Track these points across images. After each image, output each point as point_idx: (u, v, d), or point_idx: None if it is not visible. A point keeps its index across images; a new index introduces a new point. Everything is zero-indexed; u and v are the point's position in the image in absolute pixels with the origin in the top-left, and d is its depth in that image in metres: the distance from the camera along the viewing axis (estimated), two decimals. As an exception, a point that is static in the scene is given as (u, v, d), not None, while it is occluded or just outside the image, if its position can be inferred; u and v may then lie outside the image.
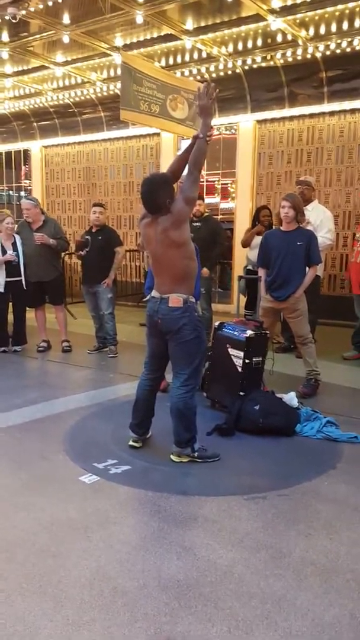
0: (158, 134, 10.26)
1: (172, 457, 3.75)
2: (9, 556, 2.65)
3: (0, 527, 2.91)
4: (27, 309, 6.91)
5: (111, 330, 6.72)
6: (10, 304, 6.78)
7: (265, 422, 4.11)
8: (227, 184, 10.63)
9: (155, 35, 8.41)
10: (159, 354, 3.84)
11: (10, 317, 6.85)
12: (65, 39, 8.17)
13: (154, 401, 3.98)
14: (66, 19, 7.66)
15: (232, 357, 4.52)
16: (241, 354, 4.44)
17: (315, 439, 4.12)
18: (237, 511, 3.11)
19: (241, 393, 4.35)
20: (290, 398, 4.47)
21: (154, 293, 3.73)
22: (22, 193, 13.51)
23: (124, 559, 2.65)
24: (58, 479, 3.49)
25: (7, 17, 6.99)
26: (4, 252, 6.51)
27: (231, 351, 4.55)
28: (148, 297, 3.91)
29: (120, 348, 6.74)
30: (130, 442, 3.95)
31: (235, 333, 4.56)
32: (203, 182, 10.63)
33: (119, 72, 9.15)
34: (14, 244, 6.60)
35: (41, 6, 6.93)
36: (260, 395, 4.34)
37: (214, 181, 10.67)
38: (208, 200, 9.44)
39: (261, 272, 5.31)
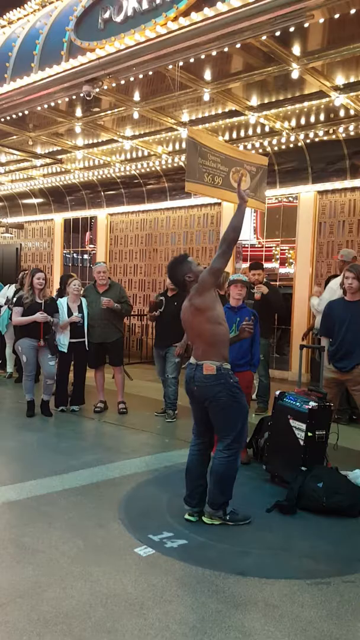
0: (219, 204, 10.53)
1: (204, 518, 3.77)
2: (65, 629, 2.58)
3: (57, 597, 2.85)
4: (87, 369, 7.02)
5: (172, 395, 6.69)
6: (72, 364, 6.91)
7: (329, 502, 3.92)
8: (285, 250, 10.72)
9: (220, 111, 8.76)
10: (202, 419, 3.91)
11: (70, 376, 6.97)
12: (135, 115, 8.64)
13: (204, 470, 3.92)
14: (136, 96, 8.11)
15: (294, 429, 4.40)
16: (303, 426, 4.32)
17: (382, 521, 3.91)
18: (300, 597, 2.94)
19: (303, 468, 4.20)
20: (356, 476, 4.27)
21: (191, 359, 3.84)
22: (86, 256, 14.05)
23: (181, 641, 2.53)
24: (113, 549, 3.42)
25: (81, 95, 7.46)
26: (70, 314, 6.72)
27: (293, 422, 4.43)
28: (186, 364, 3.97)
29: (179, 413, 6.69)
30: (186, 516, 3.87)
31: (297, 404, 4.46)
32: (262, 249, 10.78)
33: (183, 145, 9.59)
34: (80, 306, 6.80)
35: (114, 84, 7.38)
36: (324, 471, 4.17)
37: (272, 247, 10.80)
38: (266, 265, 9.49)
39: (324, 342, 5.23)
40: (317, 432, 4.29)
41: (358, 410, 6.07)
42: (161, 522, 3.80)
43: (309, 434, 4.28)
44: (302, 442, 4.30)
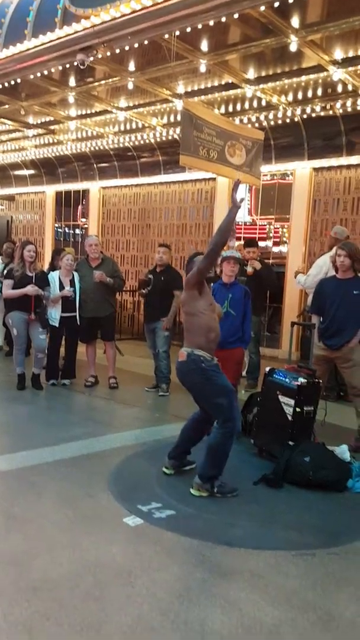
0: (214, 179, 10.43)
1: (191, 490, 3.85)
2: (54, 596, 2.62)
3: (46, 565, 2.89)
4: (79, 343, 7.02)
5: (164, 369, 6.71)
6: (63, 338, 6.90)
7: (316, 476, 3.98)
8: (279, 228, 10.68)
9: (216, 83, 8.63)
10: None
11: (62, 350, 6.97)
12: (130, 86, 8.49)
13: (194, 436, 4.18)
14: (131, 66, 7.96)
15: (283, 404, 4.43)
16: (292, 401, 4.35)
17: (368, 496, 3.97)
18: (285, 567, 3.00)
19: (290, 443, 4.24)
20: (342, 451, 4.33)
21: None
22: (77, 231, 13.92)
23: (167, 608, 2.58)
24: (103, 518, 3.46)
25: (75, 63, 7.31)
26: (62, 288, 6.69)
27: (281, 398, 4.46)
28: None
29: (172, 388, 6.71)
30: (163, 468, 4.20)
31: (287, 380, 4.48)
32: (256, 226, 10.73)
33: (178, 117, 9.46)
34: (72, 281, 6.77)
35: (108, 53, 7.23)
36: (311, 446, 4.22)
37: (266, 225, 10.75)
38: (260, 243, 9.45)
39: (314, 319, 5.25)
40: (305, 408, 4.33)
41: (345, 387, 6.13)
42: (150, 493, 3.85)
43: (297, 409, 4.32)
44: (290, 418, 4.34)
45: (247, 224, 10.92)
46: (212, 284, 5.45)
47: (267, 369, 4.80)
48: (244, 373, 6.78)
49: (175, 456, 4.21)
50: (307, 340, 6.44)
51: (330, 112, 8.71)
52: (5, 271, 6.97)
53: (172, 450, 4.22)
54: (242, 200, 3.90)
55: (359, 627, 2.51)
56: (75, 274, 6.83)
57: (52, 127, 11.60)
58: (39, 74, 8.12)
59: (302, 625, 2.51)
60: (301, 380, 4.37)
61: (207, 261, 3.86)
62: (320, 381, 4.60)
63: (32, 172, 14.09)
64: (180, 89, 8.85)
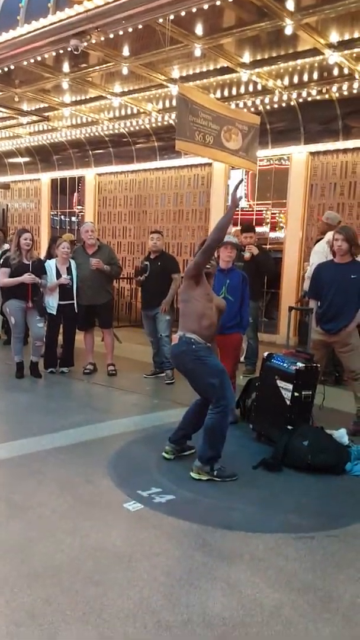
0: (210, 164, 10.37)
1: (191, 473, 3.90)
2: (55, 581, 2.64)
3: (47, 550, 2.91)
4: (77, 331, 7.01)
5: (168, 354, 6.70)
6: (61, 326, 6.90)
7: (315, 460, 4.00)
8: (275, 214, 10.63)
9: (211, 67, 8.55)
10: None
11: (60, 338, 6.97)
12: (124, 71, 8.40)
13: (195, 420, 4.17)
14: (126, 51, 7.88)
15: (281, 389, 4.45)
16: (290, 386, 4.37)
17: (366, 479, 3.99)
18: (285, 550, 3.02)
19: (289, 427, 4.26)
20: (341, 435, 4.35)
21: None
22: (74, 218, 13.86)
23: (168, 592, 2.60)
24: (103, 504, 3.48)
25: (69, 49, 7.24)
26: (59, 276, 6.67)
27: (280, 383, 4.48)
28: None
29: (175, 373, 6.70)
30: (163, 453, 4.23)
31: (285, 365, 4.49)
32: (253, 212, 10.69)
33: (174, 103, 9.37)
34: (69, 269, 6.75)
35: (102, 39, 7.16)
36: (310, 430, 4.24)
37: (263, 211, 10.70)
38: (257, 229, 9.42)
39: (312, 304, 5.25)
40: (303, 392, 4.35)
41: (341, 368, 6.17)
42: (149, 478, 3.87)
43: (296, 394, 4.33)
44: (288, 402, 4.36)
45: (244, 209, 10.86)
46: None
47: (265, 354, 4.81)
48: (242, 358, 6.79)
49: (176, 440, 4.25)
50: (305, 325, 6.44)
51: (327, 96, 8.64)
52: (1, 259, 6.94)
53: (174, 433, 4.27)
54: (240, 198, 4.01)
55: (359, 608, 2.53)
56: (72, 262, 6.80)
57: (46, 114, 11.50)
58: (32, 60, 8.05)
59: (302, 606, 2.53)
60: (299, 364, 4.38)
61: (204, 256, 3.98)
62: (319, 365, 4.61)
63: (26, 159, 13.99)
64: (175, 73, 8.77)
